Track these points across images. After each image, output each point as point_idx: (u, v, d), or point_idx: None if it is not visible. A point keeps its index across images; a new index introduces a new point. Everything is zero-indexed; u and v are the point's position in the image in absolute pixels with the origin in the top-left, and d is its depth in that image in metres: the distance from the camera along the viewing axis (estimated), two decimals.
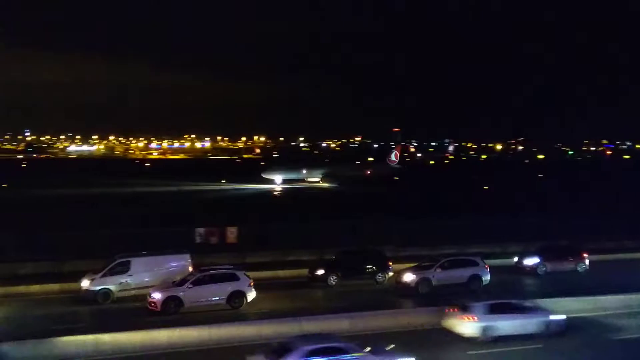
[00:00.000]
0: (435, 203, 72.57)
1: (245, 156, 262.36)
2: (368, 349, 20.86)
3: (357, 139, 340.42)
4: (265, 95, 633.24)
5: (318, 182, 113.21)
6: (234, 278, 30.10)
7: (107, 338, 23.57)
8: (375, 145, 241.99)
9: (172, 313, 28.26)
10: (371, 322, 26.26)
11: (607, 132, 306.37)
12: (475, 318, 24.70)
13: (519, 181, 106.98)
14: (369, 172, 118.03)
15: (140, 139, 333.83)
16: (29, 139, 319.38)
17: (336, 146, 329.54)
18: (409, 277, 33.41)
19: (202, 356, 23.41)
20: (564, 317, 25.93)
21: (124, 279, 31.19)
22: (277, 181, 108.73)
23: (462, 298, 26.92)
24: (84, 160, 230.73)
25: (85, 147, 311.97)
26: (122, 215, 56.85)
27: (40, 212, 58.18)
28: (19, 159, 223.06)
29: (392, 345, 21.47)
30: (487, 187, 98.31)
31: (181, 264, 32.42)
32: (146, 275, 31.43)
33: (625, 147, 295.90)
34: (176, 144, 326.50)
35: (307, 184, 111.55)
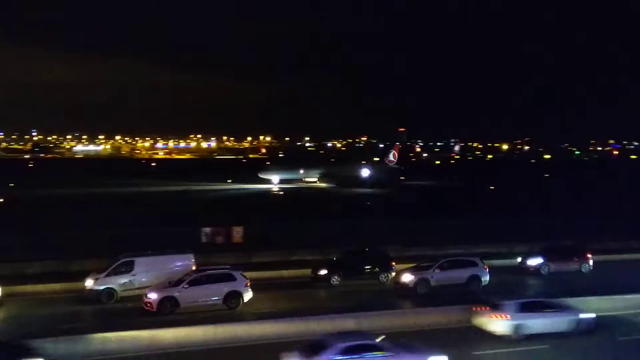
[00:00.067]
0: (440, 203, 72.59)
1: (251, 156, 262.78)
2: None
3: (362, 138, 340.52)
4: (265, 95, 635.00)
5: (315, 182, 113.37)
6: (230, 278, 29.95)
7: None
8: (381, 145, 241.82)
9: (168, 313, 28.17)
10: (376, 321, 26.15)
11: (614, 132, 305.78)
12: (507, 316, 24.92)
13: (524, 181, 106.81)
14: (367, 173, 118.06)
15: (147, 138, 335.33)
16: (35, 138, 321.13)
17: (342, 146, 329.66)
18: (407, 278, 33.26)
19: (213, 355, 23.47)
20: (593, 315, 26.09)
21: (127, 278, 31.25)
22: (274, 181, 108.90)
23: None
24: (90, 160, 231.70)
25: (91, 147, 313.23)
26: (126, 216, 57.18)
27: (46, 212, 58.54)
28: (26, 158, 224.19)
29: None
30: (493, 187, 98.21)
31: (185, 263, 32.37)
32: (150, 275, 31.42)
33: (632, 147, 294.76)
34: (182, 144, 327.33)
35: (305, 184, 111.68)
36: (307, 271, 36.01)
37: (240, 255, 39.65)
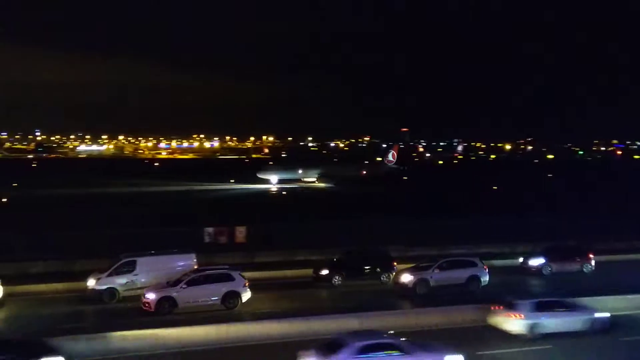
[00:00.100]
0: (443, 203, 72.45)
1: (254, 156, 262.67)
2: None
3: (365, 138, 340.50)
4: (265, 95, 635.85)
5: (314, 182, 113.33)
6: (228, 278, 29.92)
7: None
8: (384, 145, 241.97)
9: (166, 313, 28.17)
10: (378, 322, 26.07)
11: (618, 132, 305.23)
12: (522, 316, 25.05)
13: (528, 181, 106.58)
14: (364, 172, 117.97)
15: (150, 138, 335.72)
16: (39, 138, 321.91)
17: (345, 146, 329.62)
18: (406, 278, 33.17)
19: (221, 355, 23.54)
20: (607, 314, 26.18)
21: (129, 278, 31.29)
22: (273, 181, 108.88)
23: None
24: (93, 160, 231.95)
25: (94, 147, 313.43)
26: (128, 216, 57.25)
27: (49, 212, 58.63)
28: (29, 158, 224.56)
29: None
30: (496, 187, 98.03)
31: (187, 263, 32.40)
32: (152, 275, 31.43)
33: (636, 147, 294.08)
34: (185, 144, 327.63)
35: (303, 184, 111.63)
36: (310, 271, 35.96)
37: (243, 255, 39.72)
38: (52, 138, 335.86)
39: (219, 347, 23.83)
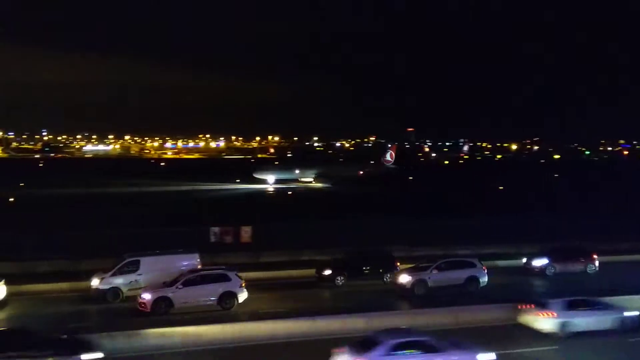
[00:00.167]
0: (448, 203, 72.38)
1: (259, 156, 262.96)
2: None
3: (371, 138, 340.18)
4: (265, 95, 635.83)
5: (311, 182, 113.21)
6: (225, 279, 29.88)
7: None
8: (390, 145, 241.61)
9: (162, 314, 28.17)
10: (388, 321, 26.08)
11: (625, 132, 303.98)
12: (554, 314, 25.29)
13: (533, 181, 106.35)
14: (361, 172, 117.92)
15: (156, 138, 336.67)
16: (45, 138, 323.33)
17: (350, 146, 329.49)
18: (404, 279, 33.12)
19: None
20: (637, 313, 26.38)
21: (133, 278, 31.41)
22: (270, 181, 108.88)
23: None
24: (99, 159, 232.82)
25: (101, 147, 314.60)
26: (134, 216, 57.48)
27: (55, 212, 58.93)
28: (36, 158, 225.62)
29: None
30: (502, 187, 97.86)
31: (191, 263, 32.41)
32: (155, 275, 31.43)
33: None
34: (191, 144, 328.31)
35: (300, 183, 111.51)
36: (314, 271, 35.96)
37: (249, 255, 39.86)
38: (59, 138, 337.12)
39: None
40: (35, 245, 39.63)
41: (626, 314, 26.15)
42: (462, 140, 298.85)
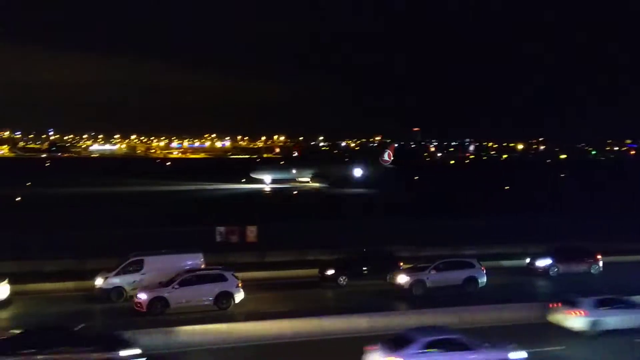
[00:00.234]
0: (454, 203, 72.29)
1: (265, 155, 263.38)
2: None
3: (377, 138, 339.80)
4: (265, 95, 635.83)
5: (308, 182, 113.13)
6: (221, 279, 29.81)
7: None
8: (395, 145, 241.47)
9: (158, 314, 28.16)
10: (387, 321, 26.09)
11: (633, 132, 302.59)
12: (585, 312, 25.33)
13: (539, 181, 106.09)
14: (360, 172, 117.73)
15: (162, 138, 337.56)
16: (52, 138, 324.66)
17: (355, 145, 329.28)
18: (402, 279, 33.04)
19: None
20: None
21: (137, 277, 31.46)
22: (267, 181, 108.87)
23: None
24: (105, 159, 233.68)
25: (107, 147, 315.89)
26: (140, 215, 57.78)
27: (61, 211, 59.21)
28: (42, 158, 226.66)
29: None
30: (508, 187, 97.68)
31: (194, 262, 32.44)
32: (159, 274, 31.40)
33: None
34: (197, 144, 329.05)
35: (297, 183, 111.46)
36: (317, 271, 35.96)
37: (254, 255, 39.91)
38: (65, 138, 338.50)
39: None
40: (42, 245, 39.83)
41: None
42: (467, 140, 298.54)
